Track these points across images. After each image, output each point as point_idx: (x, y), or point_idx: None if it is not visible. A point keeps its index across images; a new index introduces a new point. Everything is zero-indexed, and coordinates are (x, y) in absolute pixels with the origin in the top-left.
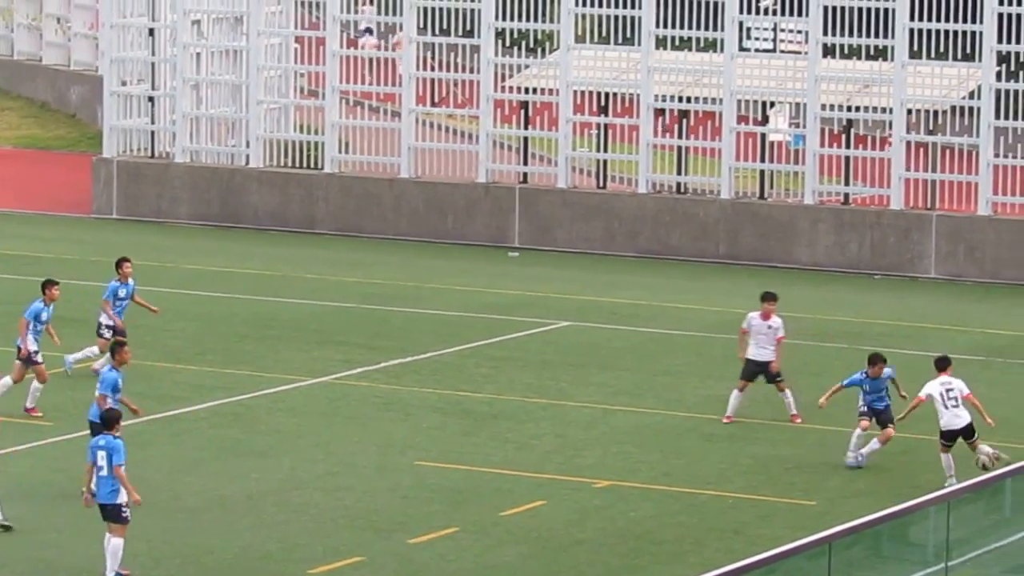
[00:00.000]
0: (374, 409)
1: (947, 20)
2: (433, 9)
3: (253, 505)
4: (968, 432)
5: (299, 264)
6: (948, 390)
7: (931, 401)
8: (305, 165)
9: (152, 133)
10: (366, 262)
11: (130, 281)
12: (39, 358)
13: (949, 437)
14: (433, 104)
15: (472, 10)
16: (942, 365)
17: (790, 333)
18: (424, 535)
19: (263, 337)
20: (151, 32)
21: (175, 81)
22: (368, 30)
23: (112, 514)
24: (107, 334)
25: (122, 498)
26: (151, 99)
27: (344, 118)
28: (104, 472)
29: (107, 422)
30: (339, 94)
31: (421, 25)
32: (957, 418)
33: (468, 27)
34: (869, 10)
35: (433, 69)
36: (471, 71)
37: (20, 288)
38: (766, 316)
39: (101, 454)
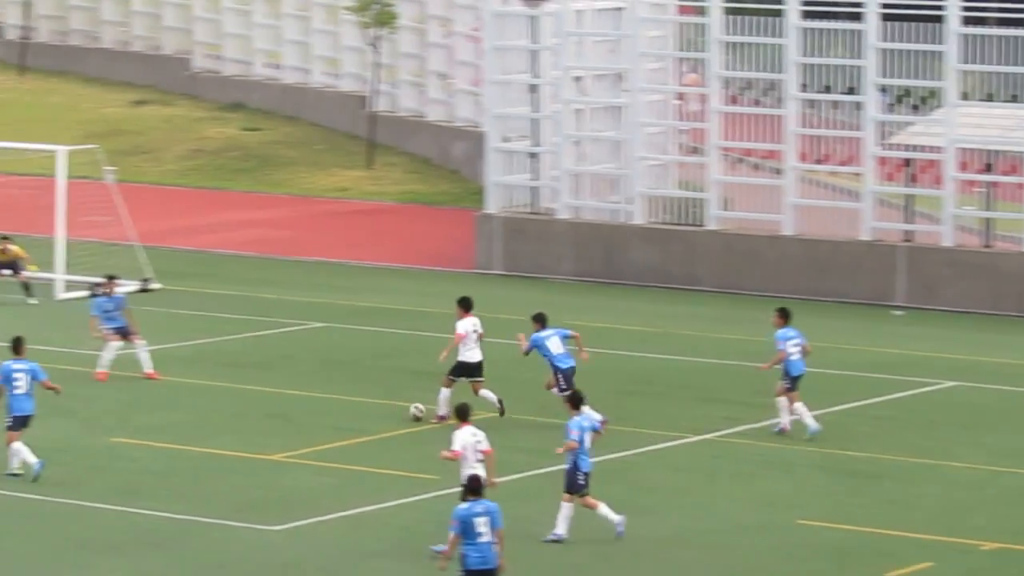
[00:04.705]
0: (757, 467)
1: None
2: (816, 67)
3: (638, 562)
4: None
5: (681, 321)
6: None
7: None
8: (687, 222)
9: (534, 189)
10: (748, 319)
11: None
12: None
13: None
14: (816, 161)
15: (855, 67)
16: (467, 305)
17: None
18: None
19: (645, 393)
20: (533, 88)
21: (557, 137)
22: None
23: None
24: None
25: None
26: (533, 155)
27: (726, 175)
28: (485, 538)
29: (478, 489)
30: (721, 151)
31: (803, 82)
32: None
33: (851, 84)
34: None
35: (815, 126)
36: (853, 128)
37: (406, 342)
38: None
39: (482, 520)
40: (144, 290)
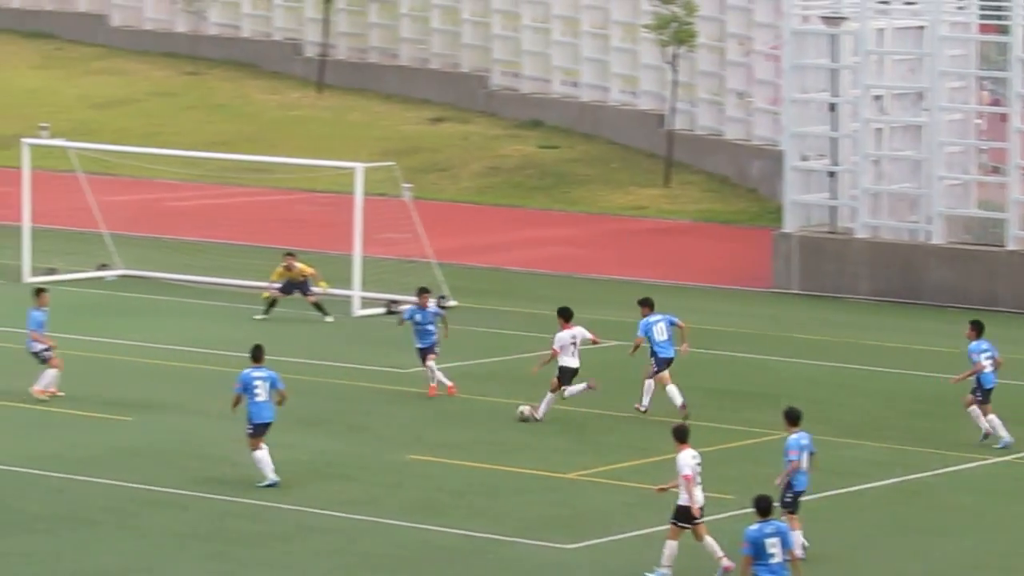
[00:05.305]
0: None
1: None
2: None
3: None
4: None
5: None
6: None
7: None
8: (986, 242)
9: (832, 208)
10: None
11: None
12: None
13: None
14: None
15: None
16: (567, 315)
17: None
18: None
19: (944, 415)
20: (832, 107)
21: (856, 156)
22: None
23: None
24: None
25: None
26: (831, 174)
27: None
28: (777, 559)
29: (767, 509)
30: (1022, 170)
31: None
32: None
33: None
34: None
35: None
36: None
37: (701, 361)
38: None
39: (773, 541)
40: (440, 307)
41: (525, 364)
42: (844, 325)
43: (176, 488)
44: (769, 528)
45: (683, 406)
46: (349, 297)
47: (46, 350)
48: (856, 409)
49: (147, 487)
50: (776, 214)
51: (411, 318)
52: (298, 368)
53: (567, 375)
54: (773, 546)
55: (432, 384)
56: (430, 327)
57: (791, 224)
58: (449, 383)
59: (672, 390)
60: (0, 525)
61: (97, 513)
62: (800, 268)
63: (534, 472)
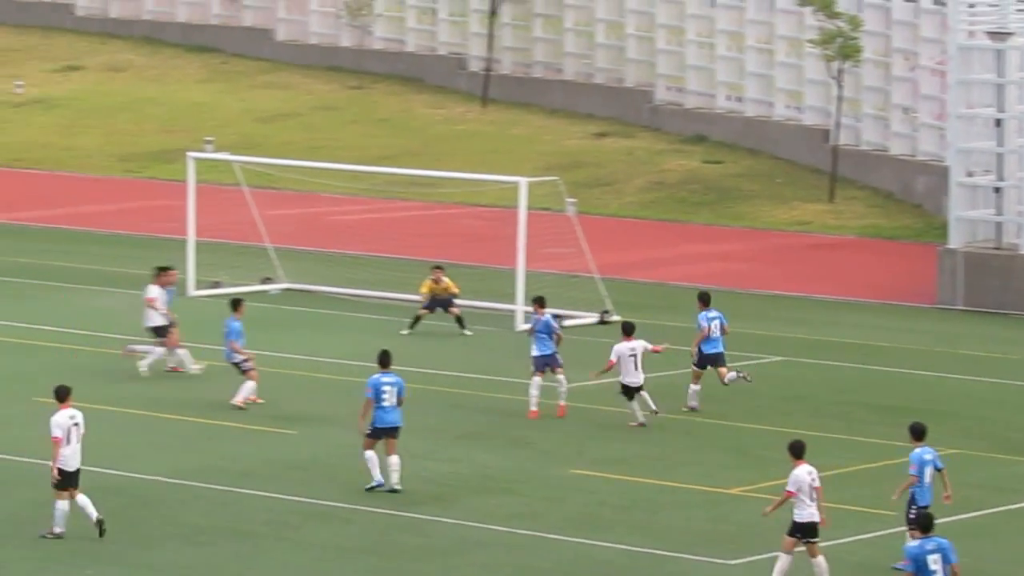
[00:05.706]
0: None
1: None
2: None
3: None
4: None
5: None
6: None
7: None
8: None
9: (998, 224)
10: None
11: None
12: None
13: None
14: None
15: None
16: (628, 329)
17: None
18: None
19: None
20: (998, 123)
21: (1022, 172)
22: None
23: None
24: None
25: None
26: (997, 190)
27: None
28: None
29: (928, 526)
30: None
31: None
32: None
33: None
34: None
35: None
36: None
37: (864, 377)
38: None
39: (935, 557)
40: (603, 322)
41: (686, 379)
42: (1009, 341)
43: (338, 501)
44: (930, 544)
45: (743, 375)
46: (512, 312)
47: (245, 361)
48: (1020, 426)
49: (309, 500)
50: (941, 230)
51: (531, 324)
52: (459, 382)
53: (627, 391)
54: (935, 562)
55: (533, 408)
56: (543, 335)
57: (956, 240)
58: (535, 408)
59: (732, 376)
60: (162, 536)
61: (258, 526)
62: (965, 284)
63: (696, 487)
